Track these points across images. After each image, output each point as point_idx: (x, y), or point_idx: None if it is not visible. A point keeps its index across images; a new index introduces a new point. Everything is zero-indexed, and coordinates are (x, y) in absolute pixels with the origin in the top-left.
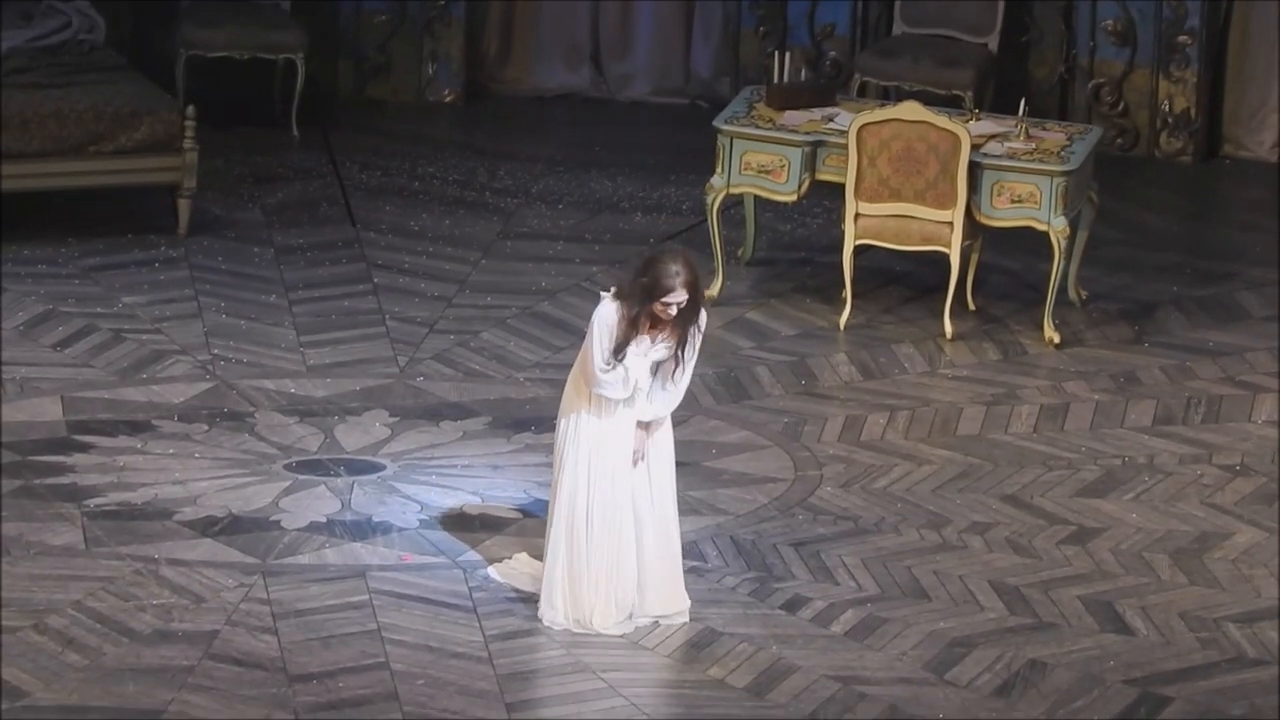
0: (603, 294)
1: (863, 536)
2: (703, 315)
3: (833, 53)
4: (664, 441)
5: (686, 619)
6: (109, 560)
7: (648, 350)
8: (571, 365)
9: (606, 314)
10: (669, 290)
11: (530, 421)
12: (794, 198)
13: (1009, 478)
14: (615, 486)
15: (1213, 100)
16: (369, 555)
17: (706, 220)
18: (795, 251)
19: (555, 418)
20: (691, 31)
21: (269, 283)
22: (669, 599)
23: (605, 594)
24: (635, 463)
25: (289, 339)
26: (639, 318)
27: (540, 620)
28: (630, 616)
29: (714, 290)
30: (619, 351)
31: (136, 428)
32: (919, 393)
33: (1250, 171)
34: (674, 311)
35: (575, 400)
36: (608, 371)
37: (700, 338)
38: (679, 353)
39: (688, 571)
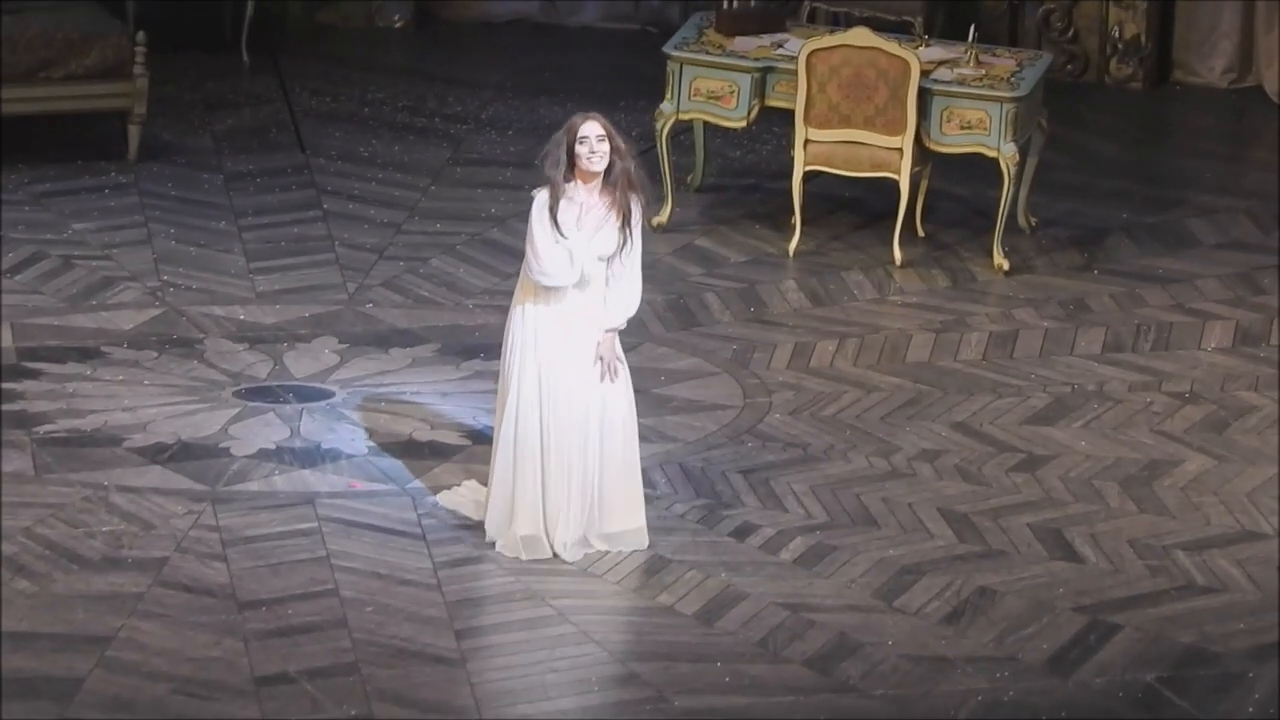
0: (532, 192)
1: (812, 464)
2: (637, 196)
3: None
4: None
5: (645, 545)
6: (58, 487)
7: (591, 236)
8: None
9: (538, 200)
10: (578, 129)
11: (479, 348)
12: (743, 124)
13: (958, 405)
14: (572, 403)
15: (1163, 26)
16: (318, 482)
17: (656, 146)
18: (745, 178)
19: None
20: None
21: (219, 209)
22: (626, 520)
23: (559, 517)
24: (604, 376)
25: (238, 265)
26: (565, 179)
27: (491, 544)
28: (584, 540)
29: (663, 217)
30: (558, 226)
31: (86, 354)
32: (868, 320)
33: (1200, 98)
34: (596, 160)
35: (520, 317)
36: (551, 251)
37: (640, 213)
38: (624, 230)
39: None
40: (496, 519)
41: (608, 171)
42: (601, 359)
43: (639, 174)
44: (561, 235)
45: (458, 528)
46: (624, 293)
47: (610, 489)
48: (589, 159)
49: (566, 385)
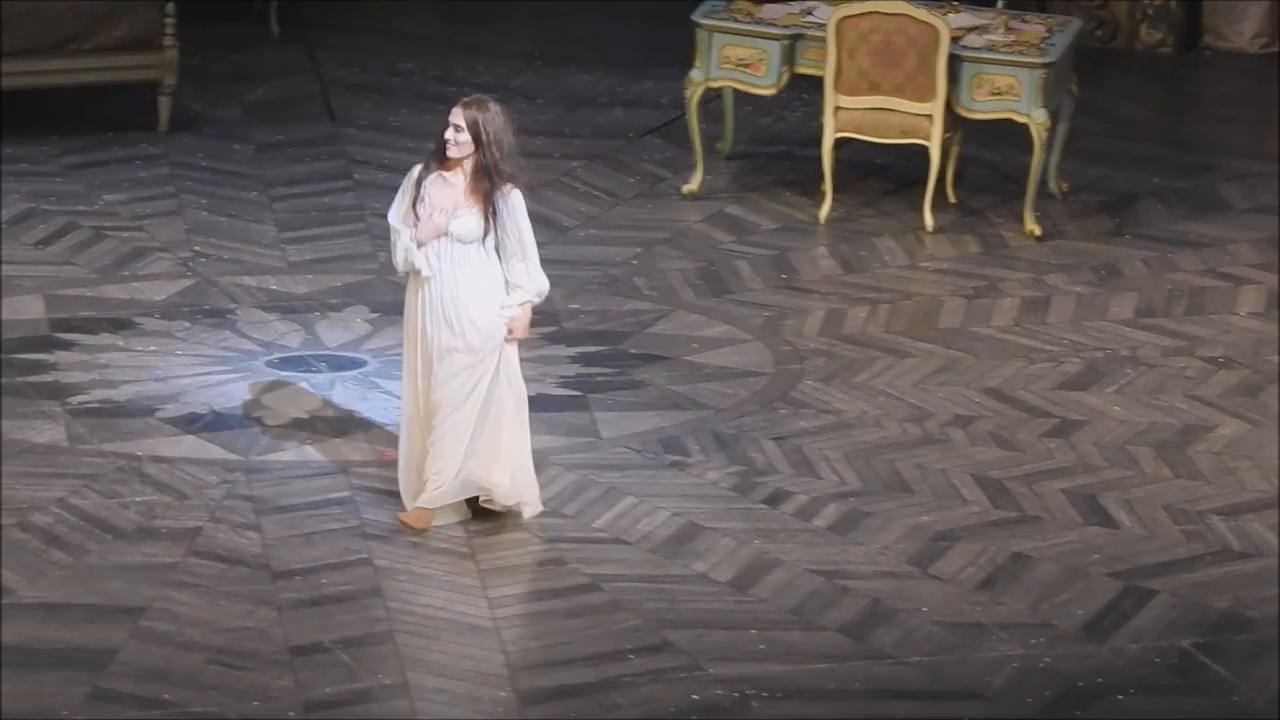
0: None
1: (845, 430)
2: (512, 190)
3: None
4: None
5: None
6: (92, 458)
7: (451, 214)
8: (550, 261)
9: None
10: (449, 115)
11: None
12: (773, 91)
13: (991, 371)
14: (447, 375)
15: None
16: (351, 451)
17: (685, 114)
18: (775, 145)
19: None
20: None
21: (249, 179)
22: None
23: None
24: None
25: (269, 235)
26: (430, 163)
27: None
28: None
29: (694, 185)
30: (415, 205)
31: (118, 325)
32: (900, 286)
33: (1230, 63)
34: (452, 148)
35: (407, 295)
36: (395, 232)
37: (512, 207)
38: (489, 219)
39: (669, 466)
40: (403, 484)
41: (479, 161)
42: (511, 331)
43: (511, 166)
44: (416, 214)
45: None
46: (520, 275)
47: (482, 449)
48: (448, 146)
49: (441, 357)
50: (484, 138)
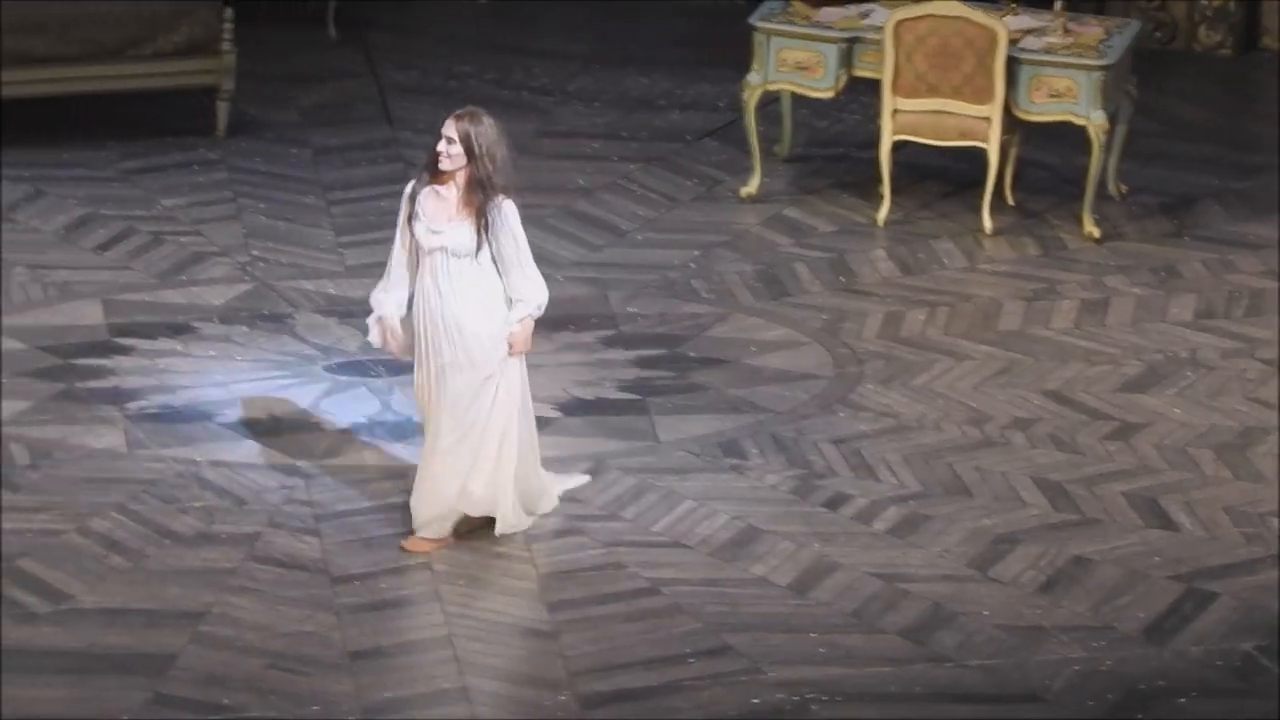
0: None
1: (904, 433)
2: (505, 202)
3: None
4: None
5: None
6: (151, 463)
7: (445, 227)
8: (608, 265)
9: (405, 191)
10: (442, 127)
11: (569, 320)
12: (831, 94)
13: (1051, 373)
14: (445, 388)
15: None
16: (410, 456)
17: (743, 117)
18: (833, 148)
19: (594, 317)
20: None
21: (307, 184)
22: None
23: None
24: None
25: (327, 240)
26: (423, 177)
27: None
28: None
29: (752, 188)
30: (410, 222)
31: (177, 330)
32: (959, 288)
33: None
34: (444, 160)
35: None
36: (393, 256)
37: (506, 219)
38: (482, 233)
39: (728, 469)
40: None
41: (471, 174)
42: (511, 346)
43: (504, 178)
44: (412, 230)
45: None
46: (521, 288)
47: (477, 462)
48: (440, 159)
49: (441, 372)
50: (476, 150)
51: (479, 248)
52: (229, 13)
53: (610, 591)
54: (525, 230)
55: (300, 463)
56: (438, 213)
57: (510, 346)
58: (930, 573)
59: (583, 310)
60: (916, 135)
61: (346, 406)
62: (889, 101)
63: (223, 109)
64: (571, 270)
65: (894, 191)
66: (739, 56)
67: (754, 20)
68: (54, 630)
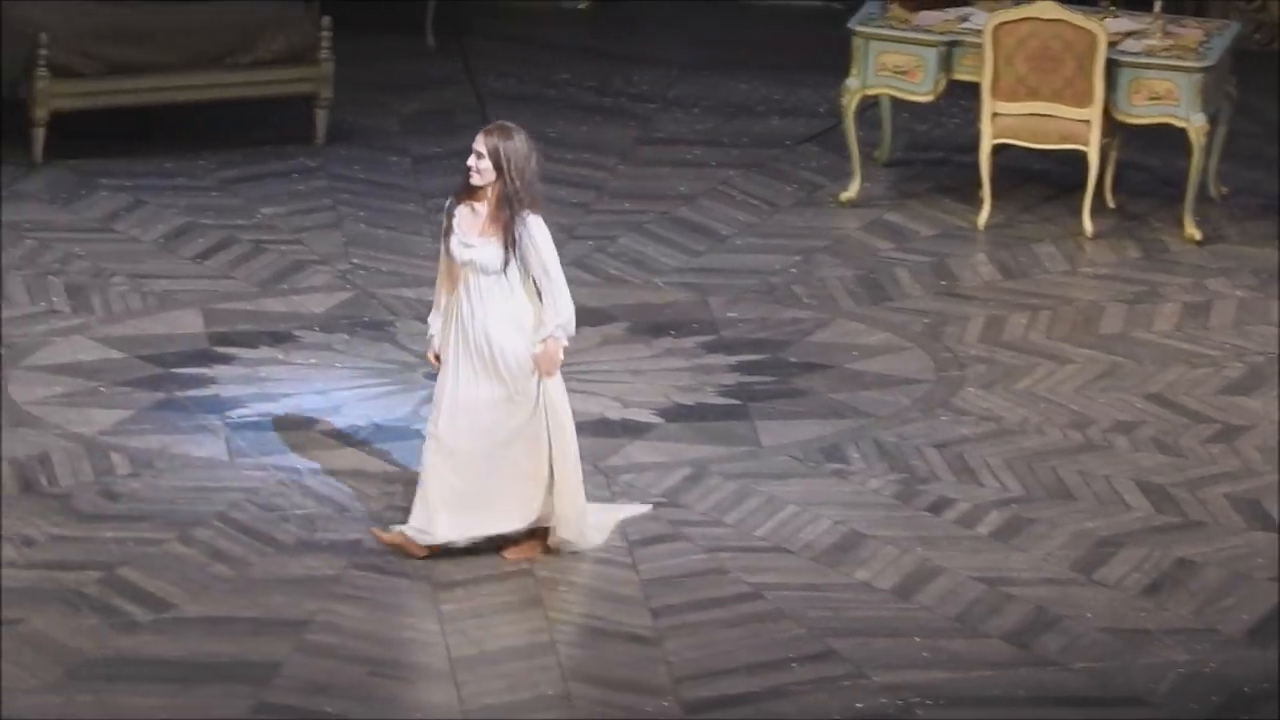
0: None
1: (1006, 437)
2: (532, 217)
3: None
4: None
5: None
6: (252, 471)
7: (476, 242)
8: (709, 270)
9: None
10: (473, 143)
11: (670, 326)
12: (930, 98)
13: (1153, 376)
14: (470, 408)
15: None
16: None
17: (842, 122)
18: (932, 152)
19: (695, 323)
20: None
21: (406, 191)
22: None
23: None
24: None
25: (427, 247)
26: (460, 193)
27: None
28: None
29: (852, 192)
30: (448, 235)
31: (277, 338)
32: (1060, 291)
33: None
34: (474, 175)
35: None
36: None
37: (532, 235)
38: (509, 249)
39: (830, 474)
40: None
41: (501, 190)
42: (537, 365)
43: (532, 193)
44: (448, 244)
45: (652, 505)
46: (548, 306)
47: (501, 492)
48: (470, 174)
49: (465, 391)
50: (504, 165)
51: (506, 264)
52: (327, 21)
53: (713, 597)
54: (613, 237)
55: (401, 469)
56: (470, 227)
57: (537, 368)
58: (1034, 576)
59: (684, 316)
60: (1016, 139)
61: None
62: (989, 105)
63: (322, 117)
64: (672, 276)
65: (994, 195)
66: (838, 61)
67: (853, 24)
68: (157, 639)
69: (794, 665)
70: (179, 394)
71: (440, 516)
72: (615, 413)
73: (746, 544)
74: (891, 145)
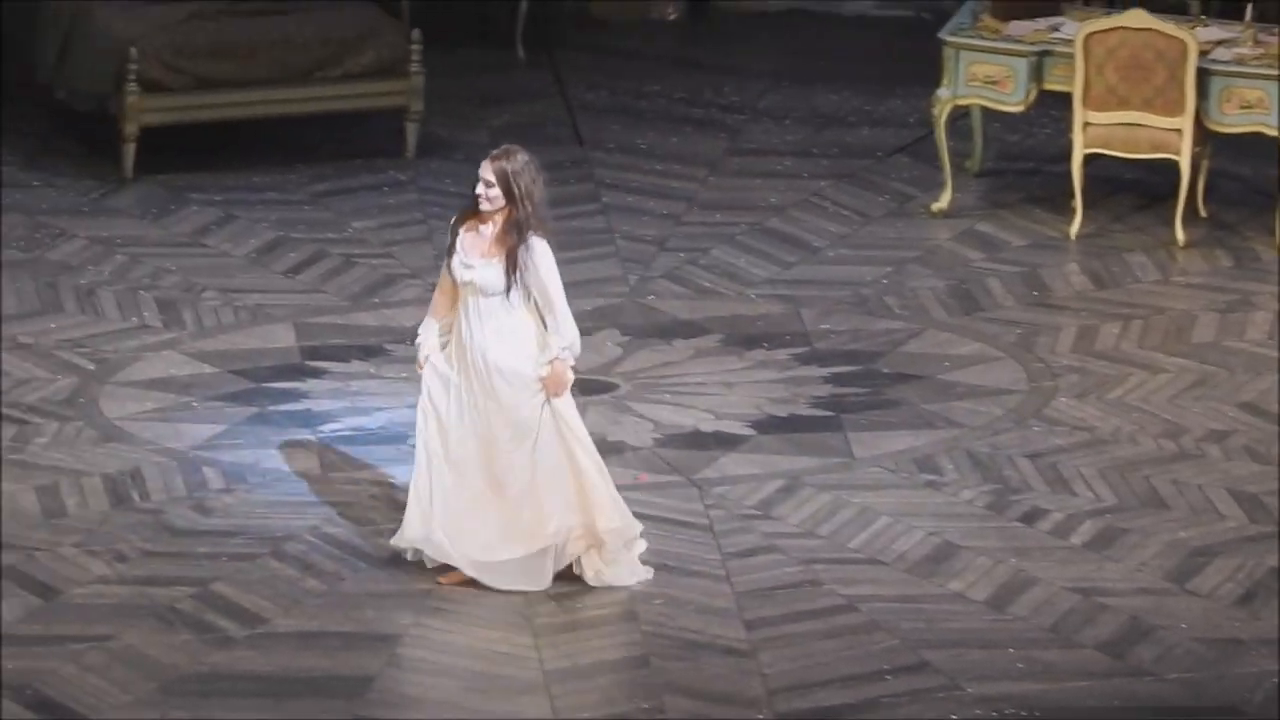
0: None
1: (1099, 447)
2: (536, 239)
3: None
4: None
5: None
6: (345, 485)
7: (477, 263)
8: (800, 282)
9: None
10: (480, 169)
11: (762, 338)
12: (1021, 108)
13: (1246, 385)
14: (463, 427)
15: None
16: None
17: (933, 133)
18: (1024, 162)
19: (787, 334)
20: None
21: None
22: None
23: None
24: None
25: None
26: (466, 212)
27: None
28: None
29: (943, 203)
30: (450, 255)
31: (369, 352)
32: (1152, 301)
33: None
34: (483, 201)
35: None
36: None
37: (536, 259)
38: (510, 274)
39: (924, 486)
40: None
41: (510, 214)
42: (544, 387)
43: (541, 217)
44: (450, 263)
45: (745, 518)
46: (553, 329)
47: (502, 515)
48: (480, 201)
49: (466, 410)
50: (516, 191)
51: (508, 288)
52: (417, 34)
53: (807, 609)
54: (705, 249)
55: None
56: (472, 248)
57: (544, 390)
58: (1127, 586)
59: (776, 327)
60: (1108, 148)
61: None
62: (1080, 114)
63: (412, 130)
64: (764, 288)
65: (1086, 205)
66: (928, 71)
67: (944, 35)
68: (250, 654)
69: (888, 677)
70: (271, 408)
71: (438, 533)
72: (708, 425)
73: (840, 556)
74: (983, 155)
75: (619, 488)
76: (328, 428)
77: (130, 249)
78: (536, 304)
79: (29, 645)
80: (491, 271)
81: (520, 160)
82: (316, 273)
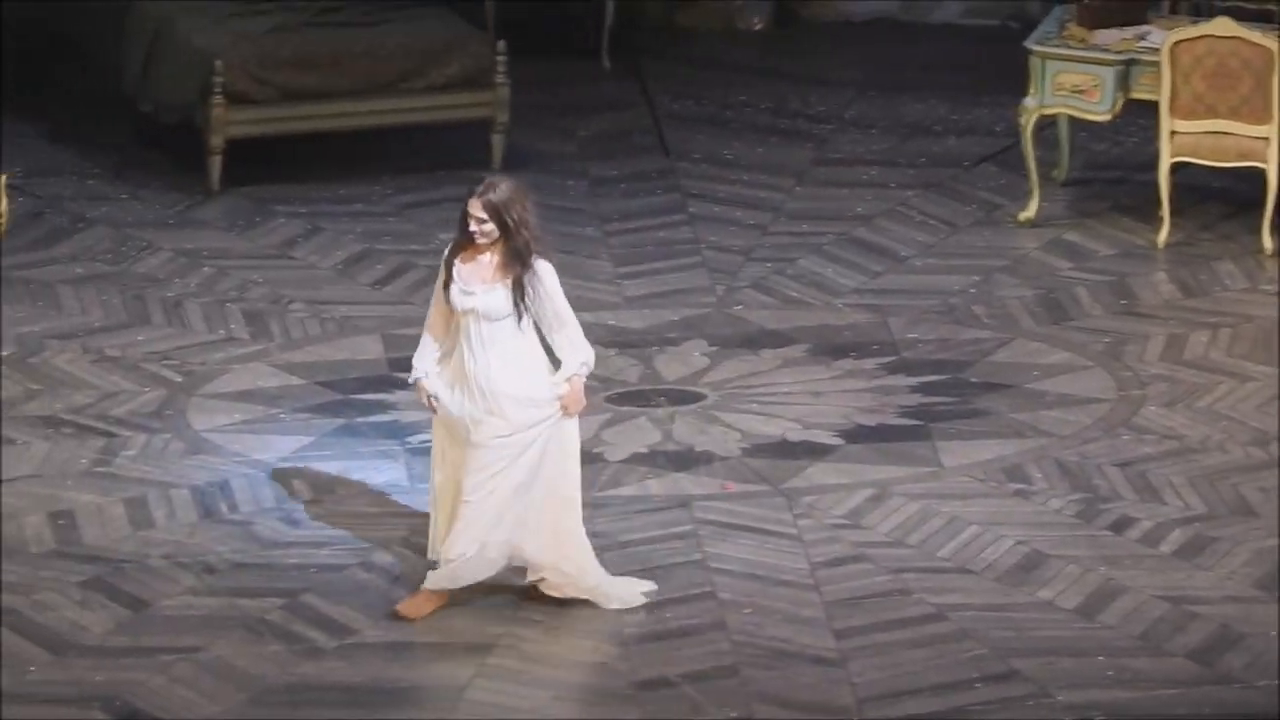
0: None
1: (1188, 455)
2: (540, 263)
3: None
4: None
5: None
6: None
7: (478, 289)
8: (888, 291)
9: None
10: (466, 205)
11: (850, 348)
12: (1108, 117)
13: None
14: (472, 452)
15: None
16: (692, 485)
17: (1020, 142)
18: (1111, 171)
19: (875, 344)
20: None
21: (584, 215)
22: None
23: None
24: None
25: (606, 271)
26: (460, 243)
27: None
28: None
29: (1030, 212)
30: (447, 286)
31: None
32: (1241, 309)
33: None
34: (480, 236)
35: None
36: (429, 321)
37: (543, 282)
38: (519, 302)
39: (1012, 494)
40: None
41: (508, 242)
42: (564, 406)
43: (539, 242)
44: (447, 295)
45: (834, 527)
46: (564, 347)
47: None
48: (477, 237)
49: (469, 428)
50: (509, 222)
51: (517, 315)
52: (502, 45)
53: (896, 618)
54: (792, 259)
55: (583, 493)
56: (471, 275)
57: (564, 409)
58: (1217, 594)
59: (863, 337)
60: (1195, 157)
61: (628, 436)
62: (1167, 123)
63: (498, 141)
64: (851, 297)
65: (1173, 213)
66: (1015, 81)
67: (1030, 44)
68: (339, 665)
69: (978, 685)
70: (358, 419)
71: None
72: (796, 435)
73: (929, 565)
74: (1070, 164)
75: (722, 496)
76: (415, 439)
77: (217, 261)
78: (537, 327)
79: (118, 657)
80: (494, 298)
81: (506, 191)
82: (403, 284)
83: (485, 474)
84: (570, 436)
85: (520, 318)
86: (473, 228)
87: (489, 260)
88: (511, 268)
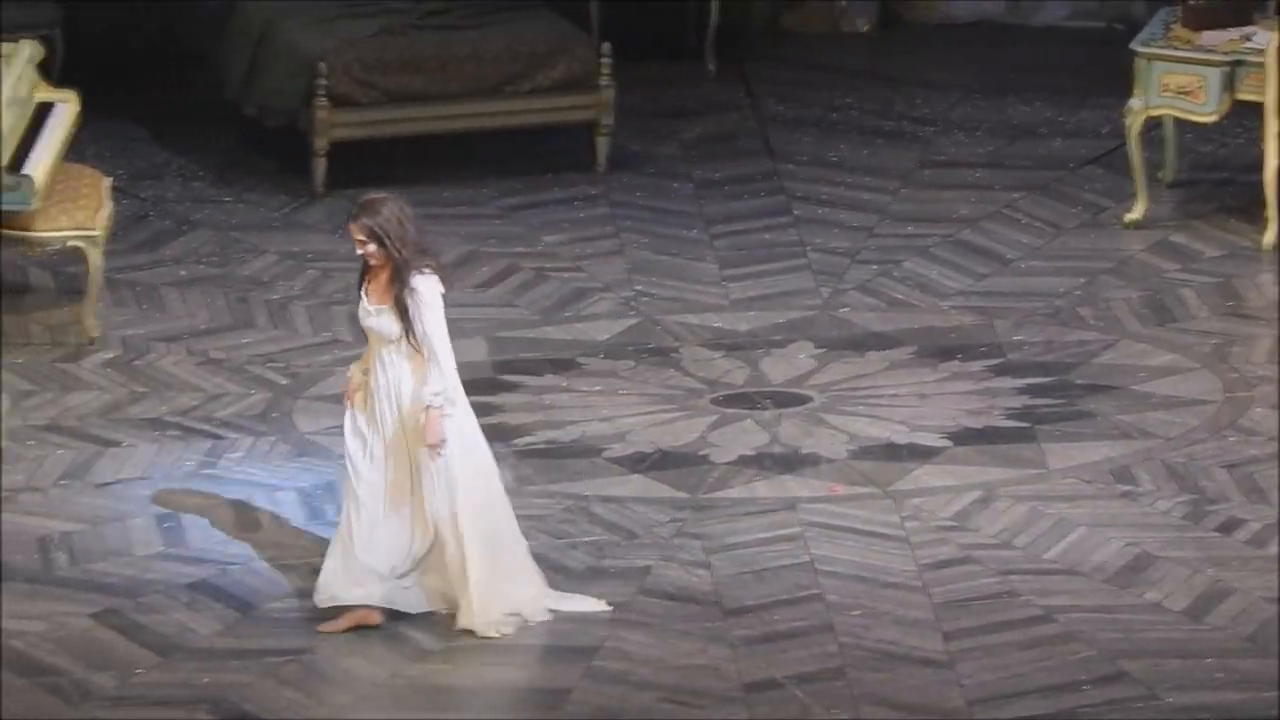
0: None
1: None
2: (419, 280)
3: None
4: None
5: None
6: (540, 499)
7: (372, 309)
8: (994, 294)
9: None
10: (350, 233)
11: (956, 350)
12: (1214, 118)
13: None
14: (379, 473)
15: None
16: (798, 487)
17: (1126, 143)
18: (1217, 172)
19: (981, 346)
20: None
21: (689, 217)
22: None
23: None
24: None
25: (711, 273)
26: (364, 269)
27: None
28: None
29: (1136, 214)
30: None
31: (562, 366)
32: None
33: None
34: (369, 258)
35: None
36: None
37: (425, 306)
38: (403, 320)
39: (1119, 496)
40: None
41: (392, 262)
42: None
43: (420, 259)
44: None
45: (941, 529)
46: (427, 374)
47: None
48: (364, 256)
49: (390, 443)
50: (386, 241)
51: (407, 333)
52: (607, 48)
53: (1004, 620)
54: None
55: (689, 496)
56: (372, 294)
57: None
58: None
59: (969, 339)
60: None
61: (734, 439)
62: (1273, 124)
63: (603, 144)
64: (957, 299)
65: None
66: (1121, 82)
67: (1135, 45)
68: (445, 667)
69: (1086, 687)
70: None
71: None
72: (902, 437)
73: (1037, 566)
74: (1176, 166)
75: (829, 499)
76: (521, 441)
77: (321, 264)
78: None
79: (225, 659)
80: (383, 319)
81: (382, 210)
82: (508, 287)
83: (444, 521)
84: (458, 465)
85: (408, 334)
86: (358, 251)
87: (384, 280)
88: (394, 287)
